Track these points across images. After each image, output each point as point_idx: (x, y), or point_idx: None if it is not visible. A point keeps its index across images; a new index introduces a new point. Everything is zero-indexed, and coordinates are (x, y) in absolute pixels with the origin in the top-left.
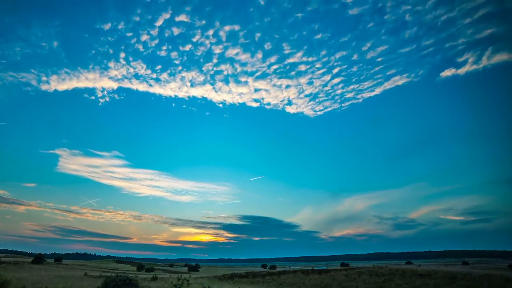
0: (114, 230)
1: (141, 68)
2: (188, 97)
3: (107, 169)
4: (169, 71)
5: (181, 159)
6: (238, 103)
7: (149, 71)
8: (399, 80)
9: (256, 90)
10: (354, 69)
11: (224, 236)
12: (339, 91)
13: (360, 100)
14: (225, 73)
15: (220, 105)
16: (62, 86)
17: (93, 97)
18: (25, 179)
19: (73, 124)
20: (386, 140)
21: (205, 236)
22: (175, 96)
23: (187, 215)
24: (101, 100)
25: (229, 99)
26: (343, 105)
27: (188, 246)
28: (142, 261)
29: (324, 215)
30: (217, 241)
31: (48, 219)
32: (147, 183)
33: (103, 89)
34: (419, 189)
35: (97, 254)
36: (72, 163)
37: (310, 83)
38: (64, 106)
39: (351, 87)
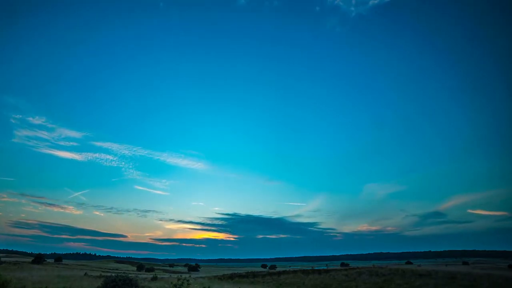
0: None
1: None
2: None
3: (91, 142)
4: None
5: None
6: None
7: None
8: None
9: None
10: None
11: (224, 234)
12: None
13: None
14: None
15: None
16: None
17: None
18: None
19: None
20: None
21: (203, 234)
22: None
23: (181, 209)
24: None
25: None
26: None
27: (185, 244)
28: (141, 261)
29: (338, 207)
30: (216, 239)
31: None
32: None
33: None
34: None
35: (97, 254)
36: (30, 129)
37: None
38: None
39: None
